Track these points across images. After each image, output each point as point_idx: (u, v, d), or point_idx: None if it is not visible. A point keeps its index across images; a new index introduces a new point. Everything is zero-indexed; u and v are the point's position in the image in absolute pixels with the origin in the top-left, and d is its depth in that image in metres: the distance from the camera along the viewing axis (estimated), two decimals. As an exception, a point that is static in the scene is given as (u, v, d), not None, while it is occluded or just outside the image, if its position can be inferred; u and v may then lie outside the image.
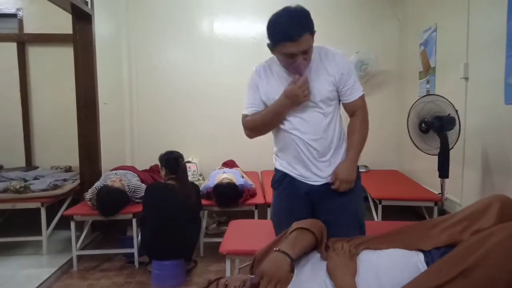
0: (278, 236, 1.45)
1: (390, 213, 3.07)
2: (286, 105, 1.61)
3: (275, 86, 1.66)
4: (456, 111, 2.37)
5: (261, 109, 1.71)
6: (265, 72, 1.71)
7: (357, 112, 1.74)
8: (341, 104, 1.77)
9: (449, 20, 3.03)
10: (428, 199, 2.96)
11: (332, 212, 1.69)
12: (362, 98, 1.74)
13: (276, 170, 1.82)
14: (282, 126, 1.70)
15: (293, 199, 1.74)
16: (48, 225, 3.14)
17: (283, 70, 1.65)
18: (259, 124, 1.71)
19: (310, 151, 1.68)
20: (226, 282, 1.22)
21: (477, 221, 1.25)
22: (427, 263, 1.22)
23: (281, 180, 1.77)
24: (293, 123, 1.67)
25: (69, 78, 3.43)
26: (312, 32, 1.53)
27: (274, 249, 1.26)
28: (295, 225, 1.38)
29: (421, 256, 1.26)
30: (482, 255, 1.08)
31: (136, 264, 2.88)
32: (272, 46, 1.56)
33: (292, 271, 1.23)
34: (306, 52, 1.53)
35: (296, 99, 1.57)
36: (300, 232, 1.33)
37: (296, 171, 1.73)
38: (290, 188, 1.74)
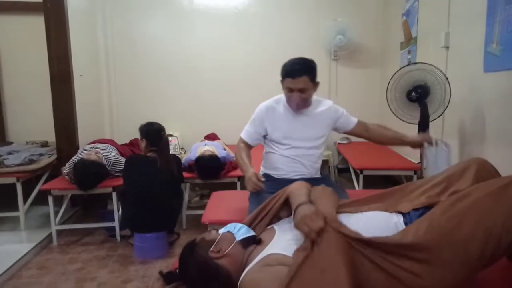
0: (265, 203, 1.49)
1: (371, 182, 3.12)
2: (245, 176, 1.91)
3: (279, 124, 2.07)
4: (447, 78, 2.38)
5: (254, 141, 2.13)
6: (272, 110, 2.09)
7: (368, 124, 2.21)
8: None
9: (432, -11, 3.00)
10: (408, 168, 3.02)
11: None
12: (360, 121, 2.19)
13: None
14: (285, 153, 2.10)
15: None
16: (25, 201, 3.07)
17: (288, 112, 2.07)
18: (238, 161, 2.09)
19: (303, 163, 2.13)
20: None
21: (455, 182, 1.27)
22: (406, 224, 1.24)
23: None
24: (296, 151, 2.10)
25: (42, 49, 3.27)
26: (311, 78, 1.93)
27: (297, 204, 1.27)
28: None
29: (400, 218, 1.28)
30: (459, 214, 1.10)
31: (118, 237, 2.86)
32: (281, 80, 1.98)
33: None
34: (302, 91, 1.92)
35: (249, 185, 1.84)
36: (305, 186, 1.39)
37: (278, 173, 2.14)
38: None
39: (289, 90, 1.95)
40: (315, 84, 1.99)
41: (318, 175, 2.19)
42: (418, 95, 2.42)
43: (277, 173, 2.13)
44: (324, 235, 1.12)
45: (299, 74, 1.88)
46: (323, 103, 2.14)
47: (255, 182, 1.79)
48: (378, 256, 1.09)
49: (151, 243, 2.57)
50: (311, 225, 1.12)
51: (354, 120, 2.19)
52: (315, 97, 2.13)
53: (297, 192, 1.35)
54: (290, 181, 1.94)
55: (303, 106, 2.03)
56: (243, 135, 2.15)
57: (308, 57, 2.00)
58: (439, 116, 2.46)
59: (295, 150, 2.10)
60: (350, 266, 1.05)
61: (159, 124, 2.76)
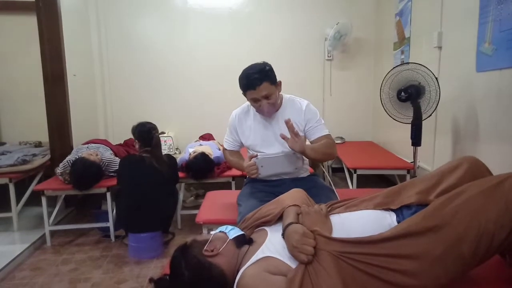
0: (269, 203, 1.48)
1: (365, 182, 3.14)
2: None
3: (249, 134, 2.05)
4: (436, 78, 2.39)
5: (237, 148, 2.15)
6: (242, 119, 2.07)
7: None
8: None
9: (425, -11, 3.02)
10: (401, 168, 3.03)
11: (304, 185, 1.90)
12: (328, 135, 1.99)
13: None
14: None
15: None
16: (18, 202, 3.04)
17: (256, 120, 2.03)
18: (232, 165, 2.20)
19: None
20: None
21: (446, 180, 1.28)
22: (399, 223, 1.24)
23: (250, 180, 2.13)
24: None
25: (35, 49, 3.25)
26: (272, 81, 1.85)
27: (288, 222, 1.27)
28: (288, 202, 1.40)
29: (393, 217, 1.28)
30: (452, 212, 1.11)
31: (112, 237, 2.85)
32: (243, 93, 1.91)
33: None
34: (268, 97, 1.85)
35: (248, 174, 1.91)
36: (295, 207, 1.36)
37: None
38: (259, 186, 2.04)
39: (254, 101, 1.88)
40: (277, 85, 1.90)
41: (305, 174, 2.11)
42: (408, 95, 2.44)
43: (261, 175, 2.00)
44: (317, 258, 1.13)
45: (259, 83, 1.81)
46: (296, 103, 2.02)
47: (249, 170, 1.88)
48: (368, 260, 1.10)
49: (145, 243, 2.56)
50: (305, 251, 1.13)
51: (322, 132, 1.98)
52: (288, 96, 2.06)
53: (287, 211, 1.35)
54: (274, 182, 2.00)
55: (274, 110, 1.97)
56: (225, 145, 2.17)
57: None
58: (429, 116, 2.48)
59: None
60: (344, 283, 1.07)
61: (150, 124, 2.74)
